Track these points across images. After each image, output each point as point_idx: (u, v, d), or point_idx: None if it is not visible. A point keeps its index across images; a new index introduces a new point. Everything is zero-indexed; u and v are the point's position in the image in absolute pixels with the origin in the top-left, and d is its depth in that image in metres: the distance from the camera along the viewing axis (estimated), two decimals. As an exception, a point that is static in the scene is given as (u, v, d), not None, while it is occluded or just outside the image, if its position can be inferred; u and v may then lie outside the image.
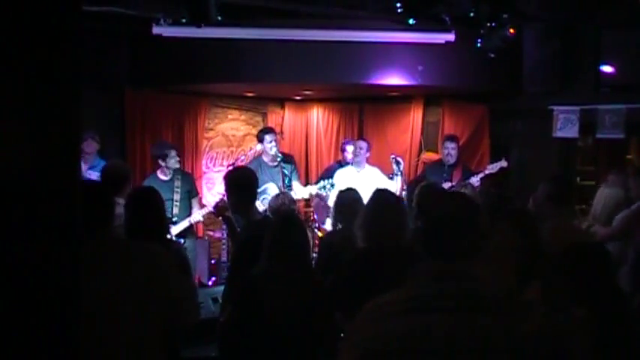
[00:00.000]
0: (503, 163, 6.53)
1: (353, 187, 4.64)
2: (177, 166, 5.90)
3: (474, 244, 1.89)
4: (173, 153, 5.81)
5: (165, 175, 5.82)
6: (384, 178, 6.46)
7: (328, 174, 6.92)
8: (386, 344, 1.77)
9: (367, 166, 6.56)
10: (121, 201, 3.97)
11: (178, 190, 5.78)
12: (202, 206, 6.09)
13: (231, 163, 6.73)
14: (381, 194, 3.52)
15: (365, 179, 6.22)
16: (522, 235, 2.95)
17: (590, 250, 2.58)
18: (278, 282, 3.09)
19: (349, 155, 6.85)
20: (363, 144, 6.52)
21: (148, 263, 2.60)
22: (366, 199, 3.79)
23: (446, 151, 6.70)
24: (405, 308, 1.80)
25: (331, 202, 6.06)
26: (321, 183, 6.20)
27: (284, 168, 6.08)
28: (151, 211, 3.52)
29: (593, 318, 2.25)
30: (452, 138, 6.85)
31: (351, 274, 3.24)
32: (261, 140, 6.24)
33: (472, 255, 1.88)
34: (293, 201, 4.88)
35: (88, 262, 2.50)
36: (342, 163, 6.95)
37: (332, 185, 6.08)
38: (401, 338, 1.76)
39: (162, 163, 5.78)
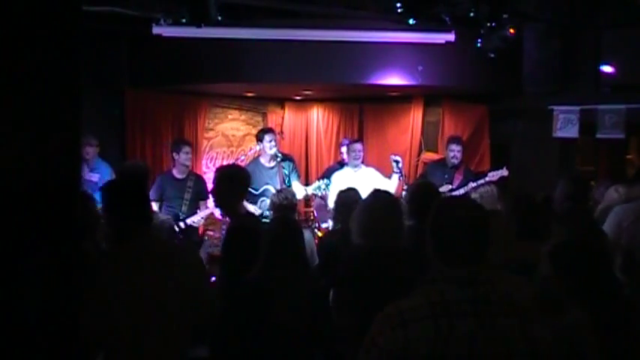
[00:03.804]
0: (504, 172, 6.48)
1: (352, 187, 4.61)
2: (188, 163, 6.10)
3: (486, 249, 1.93)
4: (186, 149, 6.05)
5: (180, 173, 6.03)
6: (381, 177, 6.46)
7: (327, 174, 6.92)
8: (412, 350, 1.80)
9: (364, 167, 6.56)
10: None
11: (190, 190, 5.97)
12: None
13: (231, 163, 6.73)
14: (377, 194, 3.50)
15: (362, 180, 6.21)
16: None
17: (583, 248, 2.53)
18: (277, 283, 3.09)
19: (344, 155, 6.84)
20: (359, 146, 6.50)
21: (185, 264, 2.67)
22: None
23: (451, 154, 6.68)
24: (428, 314, 1.83)
25: (330, 201, 6.06)
26: (317, 183, 6.18)
27: (284, 167, 6.07)
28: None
29: (587, 319, 2.23)
30: (457, 140, 6.83)
31: (347, 273, 3.23)
32: (260, 140, 6.20)
33: (484, 259, 1.92)
34: (294, 196, 4.87)
35: (131, 261, 2.55)
36: (342, 164, 6.94)
37: (327, 185, 6.07)
38: (428, 343, 1.80)
39: (176, 157, 6.02)
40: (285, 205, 4.59)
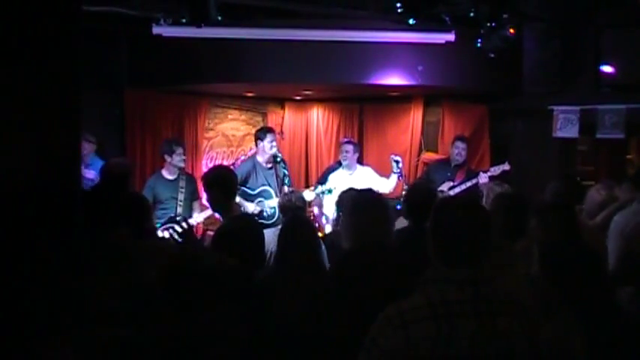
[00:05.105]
0: (506, 167, 6.53)
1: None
2: (182, 165, 5.98)
3: (487, 249, 1.92)
4: (180, 150, 5.90)
5: (171, 174, 5.90)
6: (377, 176, 6.46)
7: (325, 174, 6.90)
8: (413, 350, 1.80)
9: (359, 167, 6.55)
10: None
11: (183, 190, 5.87)
12: (203, 208, 6.09)
13: (231, 163, 6.72)
14: (361, 194, 3.47)
15: (358, 180, 6.20)
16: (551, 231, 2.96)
17: (575, 251, 2.51)
18: (289, 283, 3.07)
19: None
20: (348, 147, 6.48)
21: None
22: None
23: (456, 150, 6.73)
24: (429, 314, 1.83)
25: (326, 208, 6.06)
26: (319, 188, 6.17)
27: (283, 168, 6.04)
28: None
29: (579, 322, 2.23)
30: (462, 138, 6.92)
31: (336, 274, 3.20)
32: (261, 139, 6.08)
33: (484, 259, 1.92)
34: (302, 199, 4.87)
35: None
36: (341, 164, 6.93)
37: (329, 191, 6.04)
38: (428, 344, 1.80)
39: (168, 159, 5.86)
40: (292, 208, 4.63)
